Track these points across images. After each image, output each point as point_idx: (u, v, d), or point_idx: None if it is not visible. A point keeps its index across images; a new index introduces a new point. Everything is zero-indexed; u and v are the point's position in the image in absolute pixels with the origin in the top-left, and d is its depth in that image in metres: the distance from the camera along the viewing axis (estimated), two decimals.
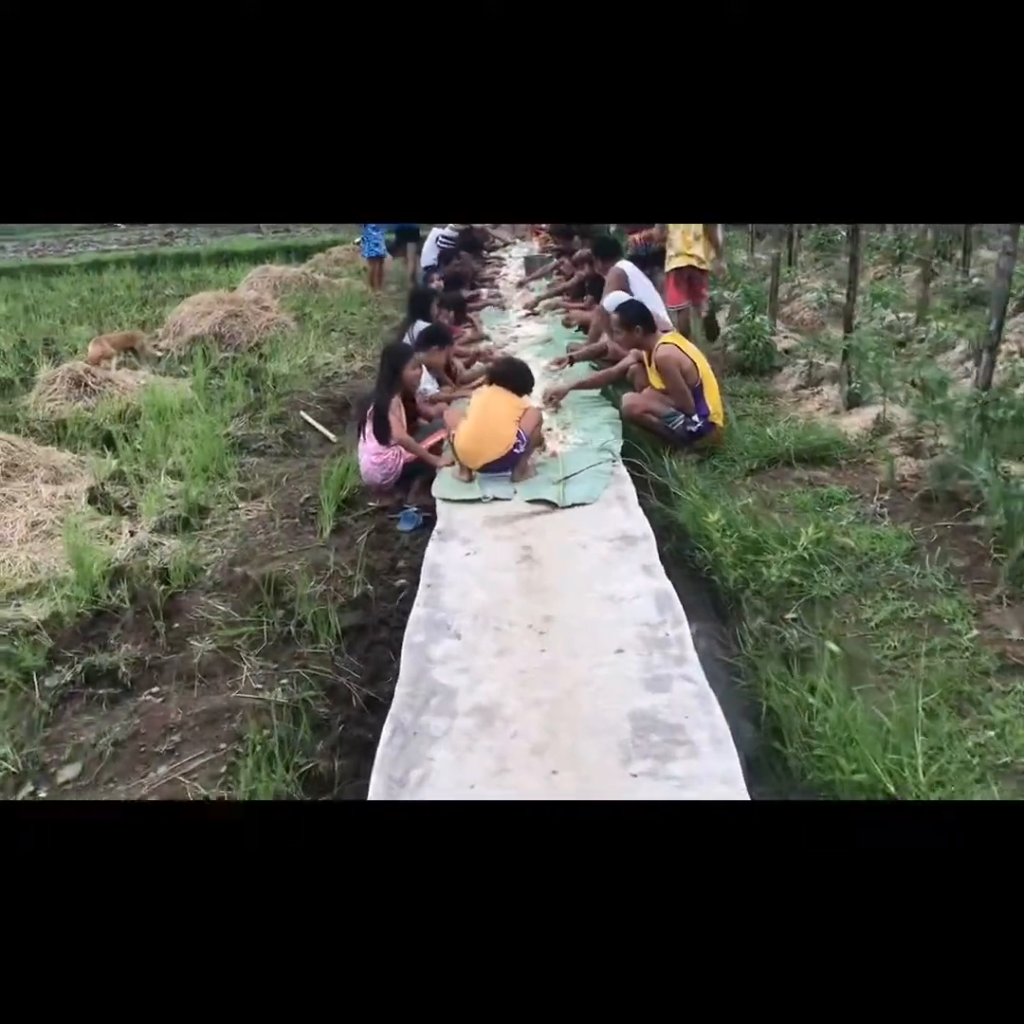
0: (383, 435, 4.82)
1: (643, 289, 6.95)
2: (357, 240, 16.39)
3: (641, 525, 3.85)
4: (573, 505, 4.13)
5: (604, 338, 6.86)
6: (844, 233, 13.26)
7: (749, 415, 6.06)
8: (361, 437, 4.96)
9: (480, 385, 5.37)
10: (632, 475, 4.71)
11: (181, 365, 8.75)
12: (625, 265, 7.01)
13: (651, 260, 10.37)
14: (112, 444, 6.09)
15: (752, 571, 3.68)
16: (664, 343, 5.11)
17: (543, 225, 16.70)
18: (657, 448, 5.24)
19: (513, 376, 4.81)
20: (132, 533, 4.66)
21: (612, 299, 6.02)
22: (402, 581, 4.04)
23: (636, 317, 5.17)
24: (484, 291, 9.88)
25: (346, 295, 12.54)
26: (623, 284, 6.86)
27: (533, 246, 15.60)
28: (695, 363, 5.11)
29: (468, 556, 3.70)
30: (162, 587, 3.75)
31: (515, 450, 4.49)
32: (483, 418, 4.55)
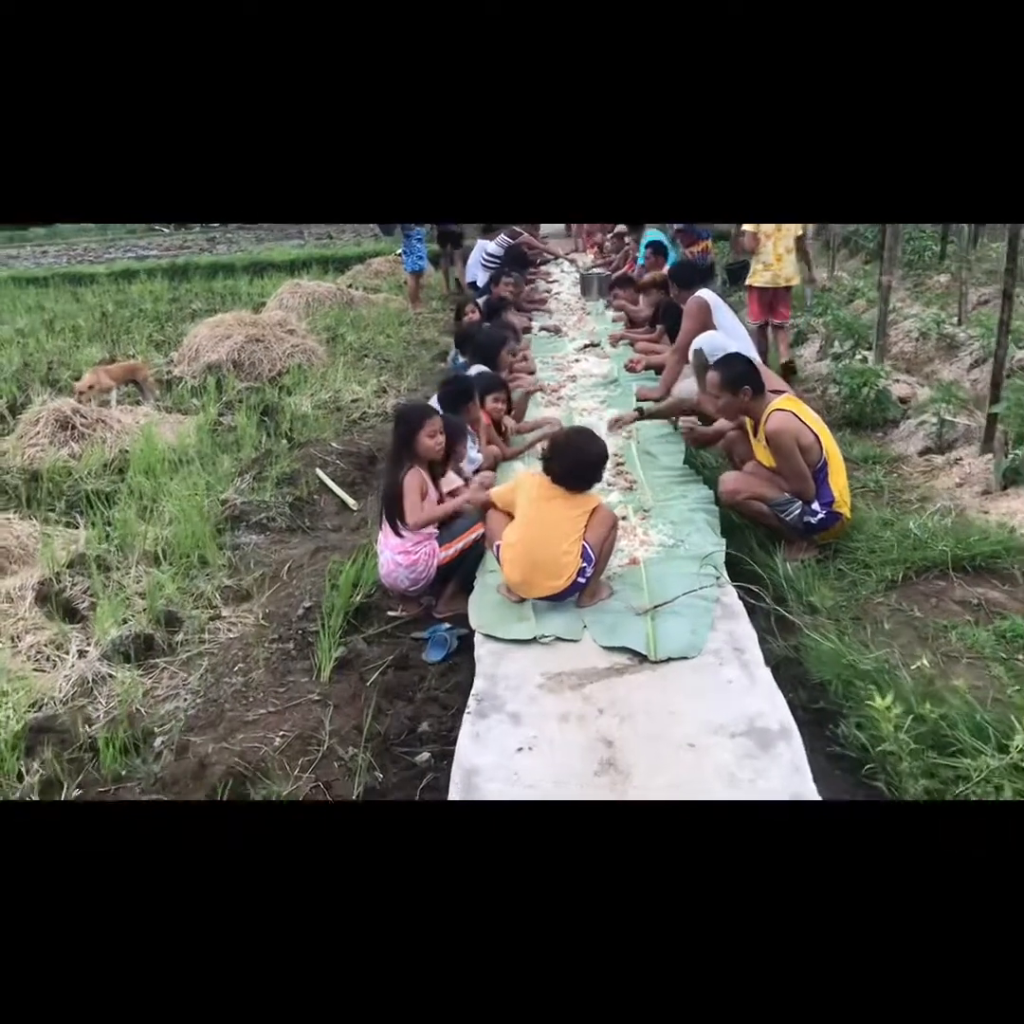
0: (396, 523, 3.69)
1: (730, 323, 5.75)
2: (399, 251, 15.37)
3: (776, 708, 2.65)
4: (668, 659, 2.94)
5: (681, 387, 5.67)
6: (942, 242, 11.92)
7: (868, 489, 4.85)
8: (380, 527, 3.83)
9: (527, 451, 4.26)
10: (738, 588, 3.52)
11: (192, 397, 7.72)
12: (707, 294, 5.81)
13: (706, 274, 9.21)
14: (92, 506, 5.04)
15: (942, 782, 2.47)
16: (778, 410, 3.91)
17: (598, 234, 15.59)
18: (761, 538, 4.06)
19: (574, 471, 3.41)
20: (82, 653, 3.57)
21: (705, 343, 4.83)
22: (425, 755, 2.88)
23: (742, 377, 3.97)
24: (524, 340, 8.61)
25: (383, 313, 11.45)
26: (706, 318, 5.66)
27: (587, 258, 14.44)
28: (818, 436, 3.90)
29: (520, 752, 2.53)
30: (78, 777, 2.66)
31: (579, 579, 3.33)
32: (536, 539, 3.30)
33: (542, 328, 8.38)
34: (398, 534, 3.68)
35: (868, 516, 4.16)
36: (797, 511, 3.91)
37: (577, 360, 7.16)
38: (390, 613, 3.82)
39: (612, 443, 5.07)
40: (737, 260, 10.98)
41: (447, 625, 3.67)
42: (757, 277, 7.36)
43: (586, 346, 7.59)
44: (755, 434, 4.10)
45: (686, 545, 3.76)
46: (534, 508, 3.35)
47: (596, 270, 11.04)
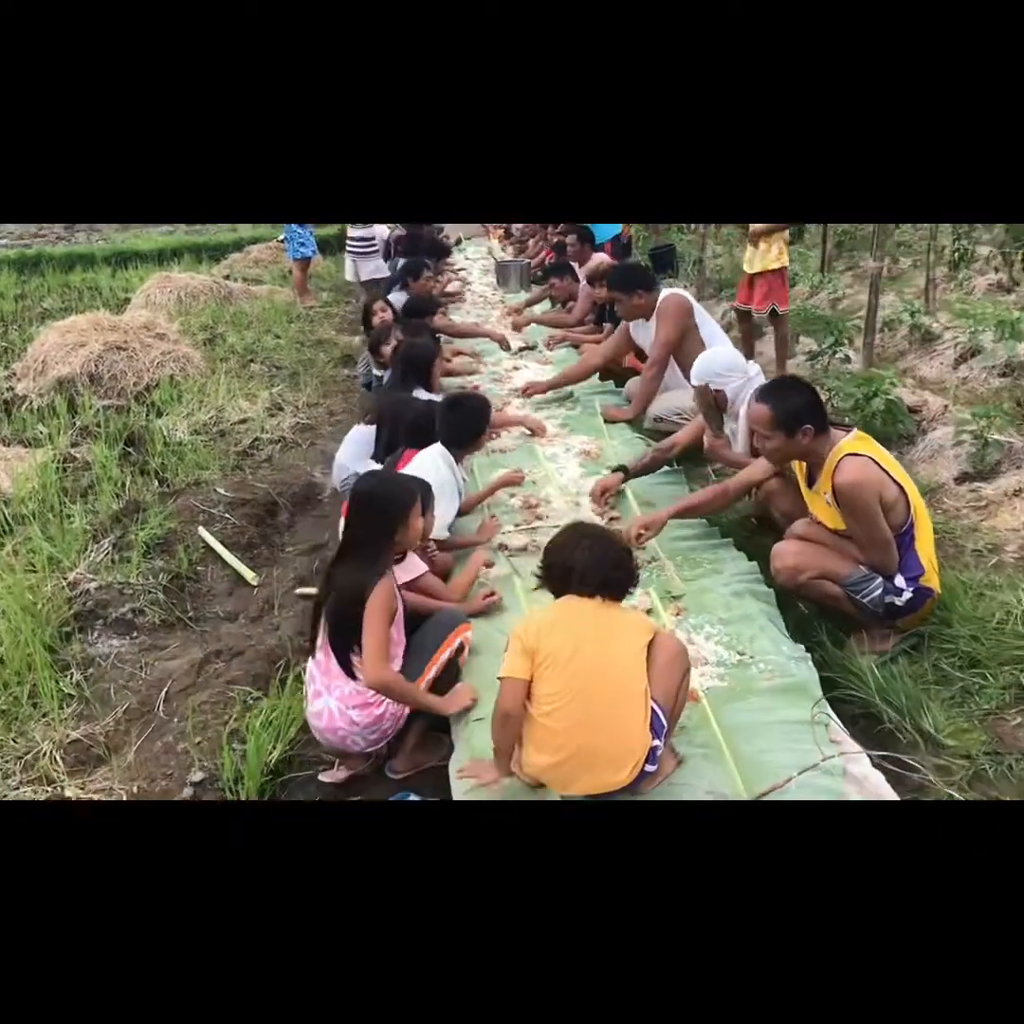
0: (351, 660, 2.47)
1: (710, 328, 4.71)
2: (281, 237, 13.82)
3: None
4: None
5: (667, 401, 4.58)
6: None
7: None
8: (317, 653, 2.58)
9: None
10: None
11: (39, 423, 6.21)
12: (682, 293, 4.74)
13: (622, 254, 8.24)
14: None
15: None
16: (851, 455, 2.84)
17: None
18: (830, 628, 3.01)
19: (608, 572, 2.20)
20: None
21: (709, 369, 3.70)
22: None
23: (803, 412, 2.88)
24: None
25: (268, 308, 9.99)
26: (688, 321, 4.59)
27: (491, 244, 13.28)
28: (903, 489, 2.85)
29: None
30: None
31: (648, 766, 2.11)
32: (594, 700, 2.08)
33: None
34: (352, 675, 2.46)
35: (953, 584, 3.14)
36: (878, 590, 2.86)
37: (516, 368, 5.99)
38: (322, 777, 2.60)
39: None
40: (661, 245, 10.02)
41: (411, 792, 2.48)
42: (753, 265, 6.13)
43: (520, 350, 6.43)
44: (811, 484, 3.02)
45: (759, 662, 2.65)
46: (578, 647, 2.10)
47: (513, 258, 9.88)
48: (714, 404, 3.53)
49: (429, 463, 3.37)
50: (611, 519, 3.77)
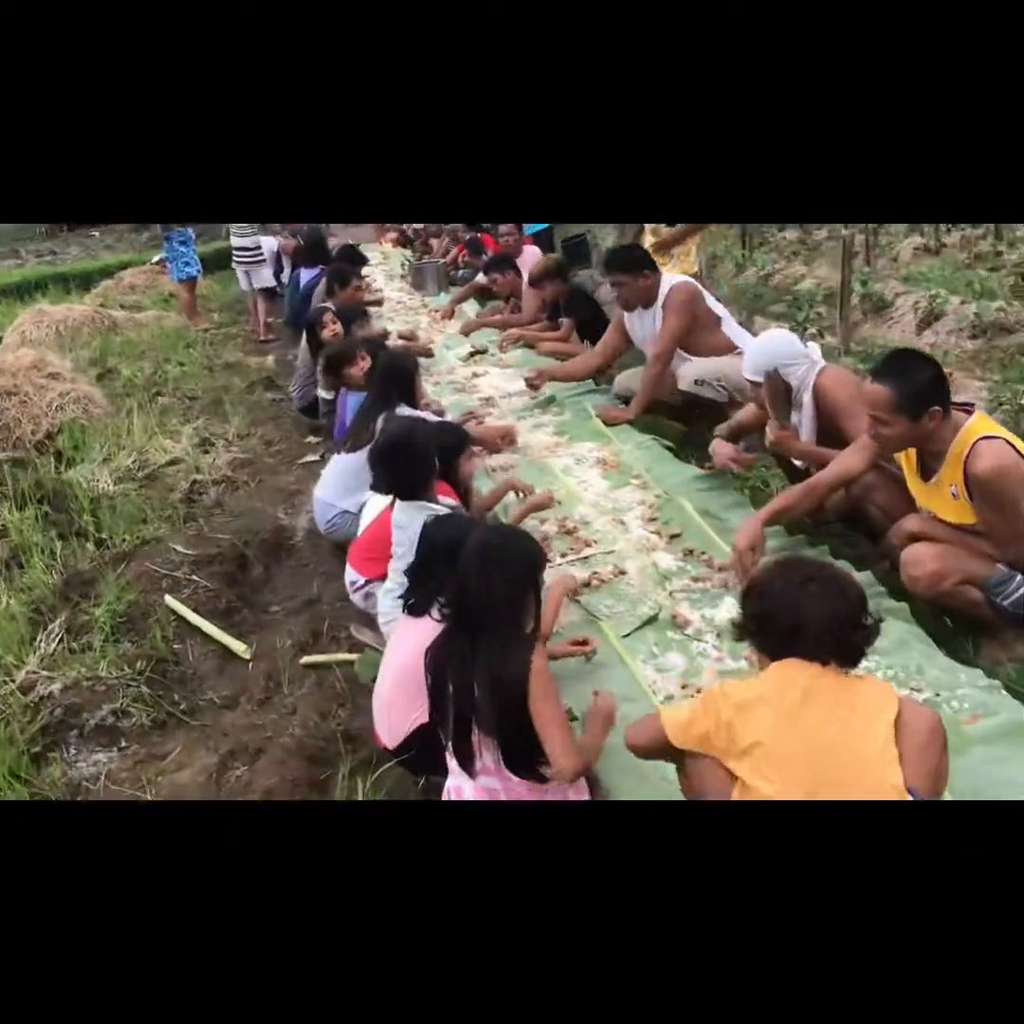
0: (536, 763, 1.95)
1: (719, 310, 4.34)
2: (157, 258, 12.84)
3: None
4: None
5: (693, 369, 4.15)
6: None
7: None
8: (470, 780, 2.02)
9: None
10: None
11: None
12: (689, 280, 4.33)
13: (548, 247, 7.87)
14: None
15: None
16: (987, 438, 2.44)
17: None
18: (955, 630, 2.62)
19: (848, 631, 1.67)
20: None
21: (771, 353, 3.24)
22: None
23: (931, 391, 2.47)
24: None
25: (160, 335, 9.15)
26: (697, 309, 4.19)
27: (384, 248, 12.68)
28: None
29: None
30: None
31: None
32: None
33: (399, 336, 6.56)
34: (540, 778, 1.93)
35: None
36: (1021, 590, 2.49)
37: (475, 375, 5.45)
38: None
39: (637, 497, 3.48)
40: (572, 236, 9.66)
41: None
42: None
43: (472, 354, 5.90)
44: (926, 475, 2.62)
45: (950, 699, 2.20)
46: (809, 736, 1.58)
47: (429, 261, 9.34)
48: (783, 388, 3.10)
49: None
50: (650, 519, 3.31)
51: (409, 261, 10.05)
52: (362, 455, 3.61)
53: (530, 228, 7.87)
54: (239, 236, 8.82)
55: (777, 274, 8.16)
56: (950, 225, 8.10)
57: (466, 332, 6.28)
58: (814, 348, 3.24)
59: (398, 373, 3.79)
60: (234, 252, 8.99)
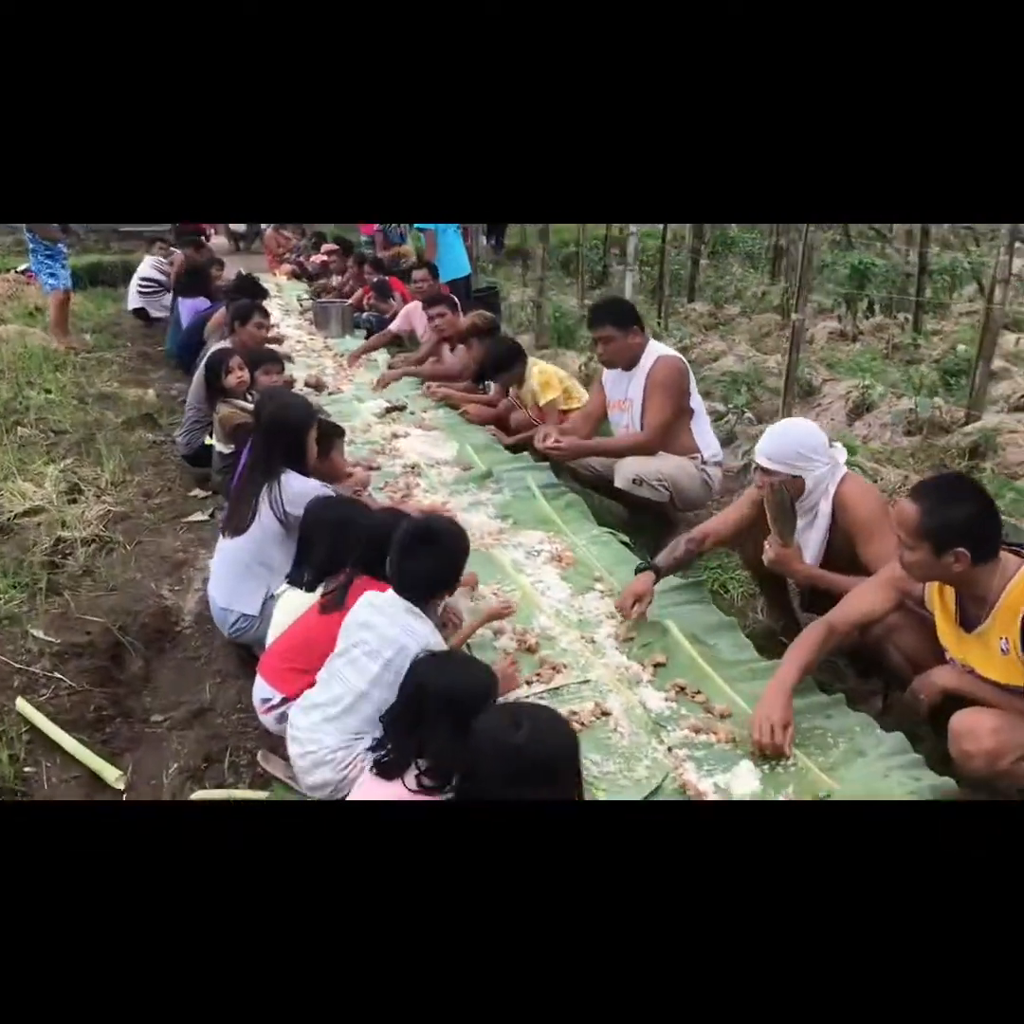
0: None
1: (697, 398, 3.99)
2: (23, 267, 11.73)
3: None
4: None
5: (632, 466, 3.72)
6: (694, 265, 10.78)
7: None
8: None
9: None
10: None
11: None
12: (676, 356, 3.94)
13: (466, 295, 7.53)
14: None
15: None
16: None
17: (288, 254, 13.22)
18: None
19: None
20: None
21: (799, 438, 2.80)
22: None
23: (961, 529, 2.09)
24: None
25: (23, 355, 8.20)
26: (686, 386, 3.81)
27: (279, 280, 12.01)
28: None
29: None
30: None
31: None
32: None
33: (306, 383, 5.93)
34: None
35: None
36: None
37: (396, 436, 4.90)
38: None
39: (605, 608, 3.03)
40: (483, 287, 9.35)
41: None
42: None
43: (389, 410, 5.34)
44: (968, 625, 2.25)
45: None
46: None
47: (331, 299, 8.74)
48: (789, 501, 2.68)
49: (405, 628, 2.31)
50: (626, 640, 2.85)
51: (310, 297, 9.43)
52: (249, 540, 3.03)
53: (446, 275, 7.41)
54: (152, 265, 8.45)
55: (695, 348, 7.95)
56: (868, 313, 8.11)
57: (383, 384, 5.73)
58: (840, 450, 2.85)
59: (288, 428, 3.15)
60: (141, 281, 8.54)
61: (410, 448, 4.65)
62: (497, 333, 5.23)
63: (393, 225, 13.08)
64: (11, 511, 4.51)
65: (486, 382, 5.17)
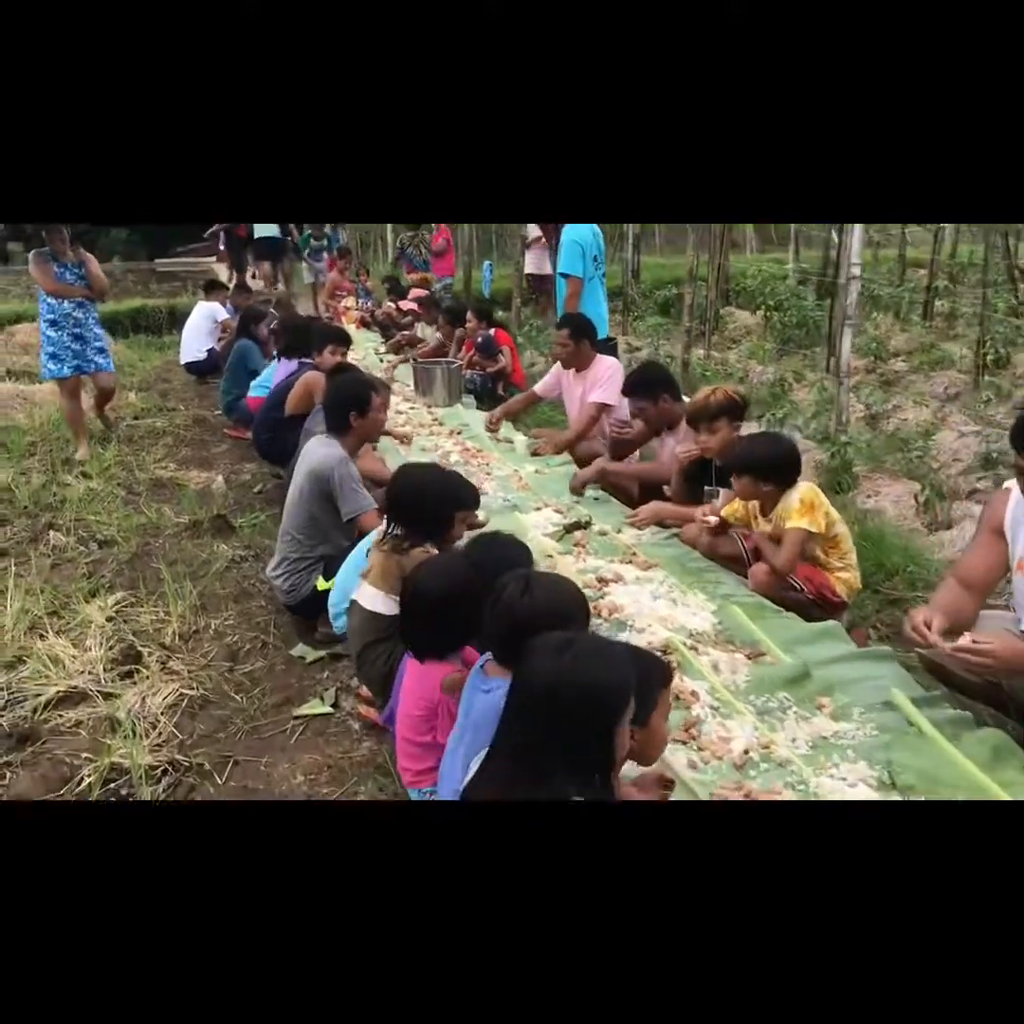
0: None
1: None
2: None
3: None
4: None
5: None
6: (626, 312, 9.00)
7: None
8: None
9: None
10: None
11: None
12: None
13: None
14: None
15: None
16: None
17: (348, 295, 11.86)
18: None
19: None
20: None
21: None
22: None
23: None
24: None
25: (57, 422, 6.79)
26: None
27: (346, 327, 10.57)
28: None
29: None
30: None
31: None
32: None
33: None
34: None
35: None
36: None
37: (601, 582, 3.26)
38: None
39: None
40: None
41: None
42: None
43: (571, 528, 3.76)
44: None
45: None
46: None
47: (427, 358, 7.29)
48: None
49: None
50: None
51: (390, 351, 7.98)
52: None
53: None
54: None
55: (892, 416, 6.37)
56: None
57: (580, 486, 4.16)
58: None
59: None
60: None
61: (632, 603, 3.03)
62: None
63: (413, 247, 11.64)
64: (39, 697, 2.99)
65: (716, 487, 3.59)
